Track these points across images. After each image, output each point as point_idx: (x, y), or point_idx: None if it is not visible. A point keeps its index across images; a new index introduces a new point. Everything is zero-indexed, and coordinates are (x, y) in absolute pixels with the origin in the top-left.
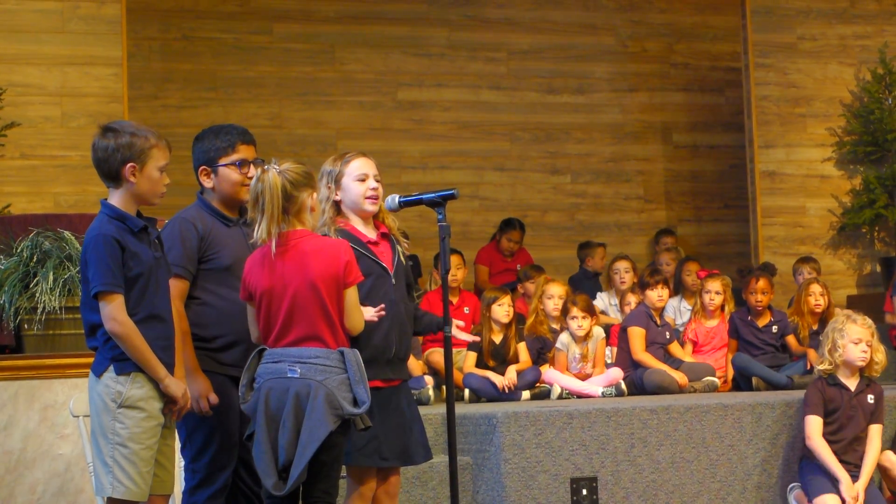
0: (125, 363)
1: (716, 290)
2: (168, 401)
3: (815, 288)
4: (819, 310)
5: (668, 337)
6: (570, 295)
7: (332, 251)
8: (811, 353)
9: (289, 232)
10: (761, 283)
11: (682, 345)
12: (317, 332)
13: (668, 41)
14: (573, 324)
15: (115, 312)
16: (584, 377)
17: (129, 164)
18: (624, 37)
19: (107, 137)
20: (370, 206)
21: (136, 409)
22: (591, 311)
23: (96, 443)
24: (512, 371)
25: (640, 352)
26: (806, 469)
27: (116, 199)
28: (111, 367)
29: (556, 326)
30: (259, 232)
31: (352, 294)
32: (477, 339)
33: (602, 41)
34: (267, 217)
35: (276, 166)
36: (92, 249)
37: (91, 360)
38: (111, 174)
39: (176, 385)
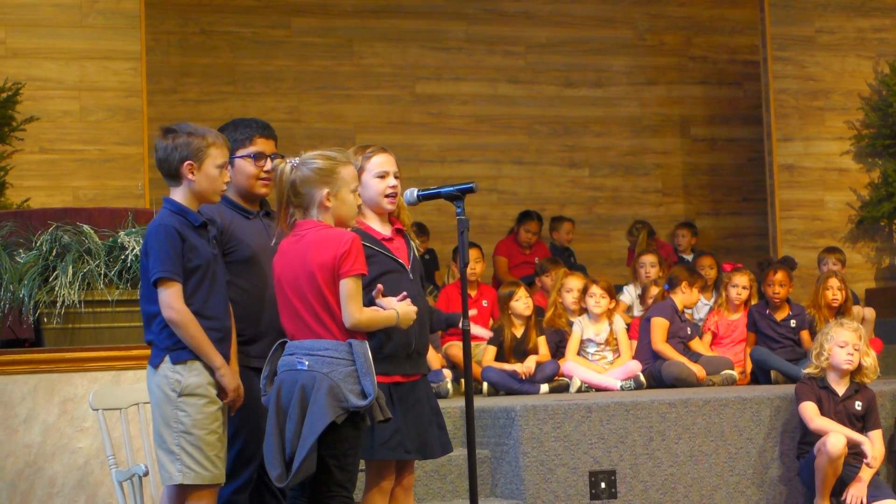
0: (181, 352)
1: (743, 285)
2: (220, 391)
3: (833, 282)
4: (836, 304)
5: (689, 332)
6: (589, 277)
7: (332, 242)
8: None
9: (300, 222)
10: (779, 275)
11: (702, 335)
12: (323, 323)
13: (686, 34)
14: (591, 301)
15: (171, 300)
16: (608, 365)
17: (186, 163)
18: (642, 30)
19: (166, 138)
20: (388, 205)
21: (196, 395)
22: (610, 292)
23: (158, 433)
24: (532, 360)
25: (660, 342)
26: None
27: (178, 195)
28: (167, 358)
29: (574, 320)
30: (276, 221)
31: (346, 285)
32: (490, 334)
33: (620, 35)
34: (279, 209)
35: (294, 160)
36: (153, 239)
37: (110, 353)
38: (171, 172)
39: (231, 377)
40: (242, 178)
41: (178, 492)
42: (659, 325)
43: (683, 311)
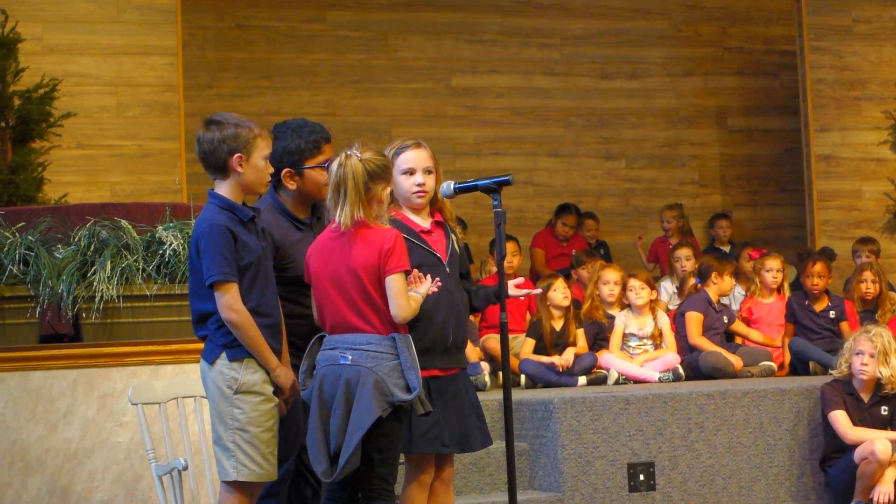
0: (237, 349)
1: (777, 269)
2: (276, 390)
3: (868, 275)
4: (869, 297)
5: (725, 321)
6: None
7: (376, 240)
8: None
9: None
10: (818, 266)
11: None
12: (365, 318)
13: (722, 25)
14: (632, 295)
15: (231, 301)
16: (651, 359)
17: (236, 155)
18: (677, 21)
19: (211, 130)
20: (417, 201)
21: (252, 393)
22: (650, 283)
23: (215, 429)
24: (570, 352)
25: (696, 336)
26: (839, 471)
27: (224, 189)
28: (224, 354)
29: (612, 312)
30: (343, 217)
31: (394, 282)
32: (539, 290)
33: (655, 25)
34: (350, 203)
35: (357, 153)
36: (206, 240)
37: (149, 347)
38: (218, 165)
39: (285, 376)
40: (313, 186)
41: (233, 487)
42: (693, 320)
43: (720, 301)
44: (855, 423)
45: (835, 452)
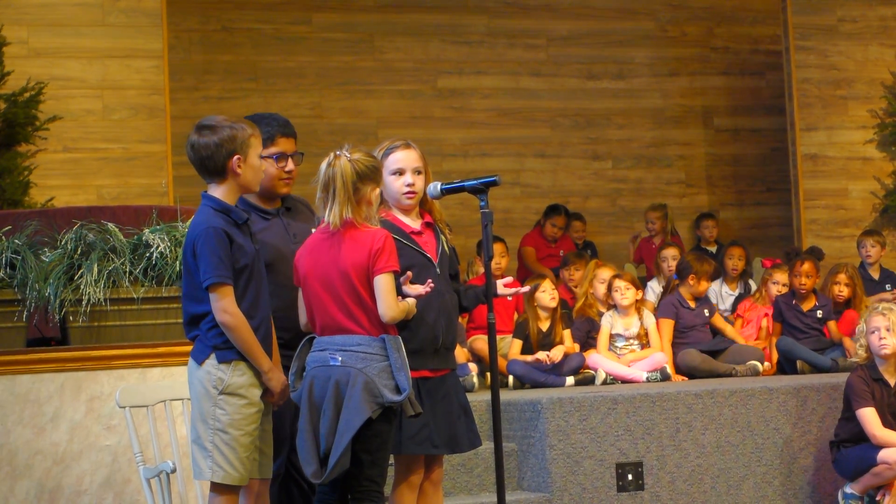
0: (228, 351)
1: (783, 283)
2: (266, 391)
3: (842, 277)
4: (841, 299)
5: (707, 315)
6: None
7: (366, 240)
8: (847, 342)
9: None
10: (806, 266)
11: (733, 323)
12: (355, 319)
13: (708, 25)
14: (617, 295)
15: (227, 304)
16: (638, 359)
17: (235, 157)
18: (663, 21)
19: (205, 134)
20: (407, 201)
21: (237, 396)
22: (635, 283)
23: (195, 428)
24: (559, 349)
25: (665, 341)
26: (848, 457)
27: (220, 192)
28: (213, 355)
29: (605, 311)
30: (331, 217)
31: (382, 282)
32: (527, 288)
33: (642, 26)
34: (339, 203)
35: (347, 153)
36: (202, 242)
37: (136, 350)
38: (217, 169)
39: (277, 379)
40: (265, 178)
41: (221, 490)
42: (664, 326)
43: (695, 298)
44: (881, 412)
45: (850, 436)
